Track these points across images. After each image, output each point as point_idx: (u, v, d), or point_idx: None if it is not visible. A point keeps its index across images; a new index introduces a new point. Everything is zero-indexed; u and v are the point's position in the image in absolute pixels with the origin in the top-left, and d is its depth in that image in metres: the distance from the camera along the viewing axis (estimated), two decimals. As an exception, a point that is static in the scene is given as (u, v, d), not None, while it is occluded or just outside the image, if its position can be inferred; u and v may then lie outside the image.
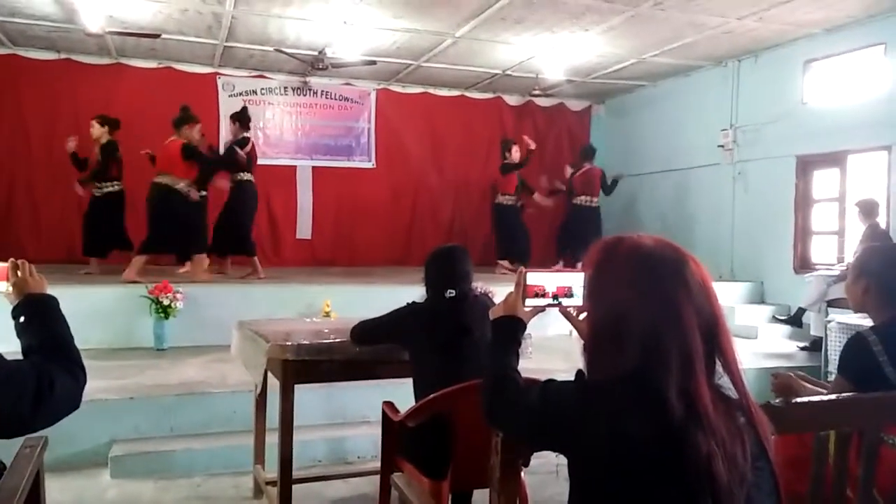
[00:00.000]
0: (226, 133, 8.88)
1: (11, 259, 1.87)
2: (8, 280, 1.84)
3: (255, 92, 9.13)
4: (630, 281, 1.27)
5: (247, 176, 7.09)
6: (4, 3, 6.53)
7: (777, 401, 1.97)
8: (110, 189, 6.88)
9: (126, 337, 5.52)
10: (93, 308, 5.23)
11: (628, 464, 1.15)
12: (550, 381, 1.35)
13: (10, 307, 1.81)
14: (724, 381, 1.25)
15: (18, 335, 1.75)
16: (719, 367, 1.24)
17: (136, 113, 7.79)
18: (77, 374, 1.71)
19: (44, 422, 1.63)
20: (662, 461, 1.14)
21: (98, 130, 6.79)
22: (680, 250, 1.28)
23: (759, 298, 7.61)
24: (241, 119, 7.18)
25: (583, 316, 1.67)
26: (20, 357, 1.67)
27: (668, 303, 1.22)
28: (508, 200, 8.69)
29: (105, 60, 8.38)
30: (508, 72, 8.77)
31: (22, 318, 1.76)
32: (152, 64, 8.56)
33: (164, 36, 7.19)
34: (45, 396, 1.59)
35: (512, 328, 1.64)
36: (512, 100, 10.18)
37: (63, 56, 8.22)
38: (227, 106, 8.92)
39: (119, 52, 8.25)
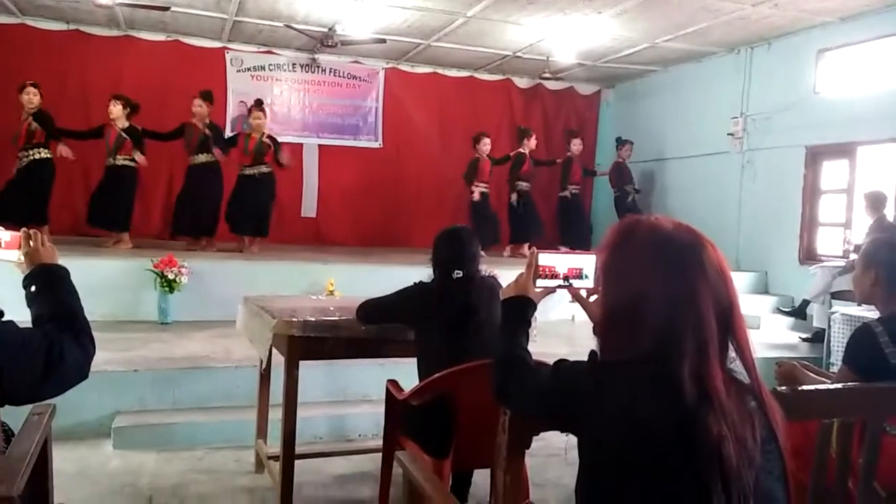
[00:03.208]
0: (233, 109, 8.89)
1: (24, 229, 1.87)
2: (20, 249, 1.84)
3: (263, 68, 9.09)
4: (647, 263, 1.26)
5: (212, 157, 7.08)
6: (13, -29, 6.50)
7: (783, 388, 1.97)
8: (38, 156, 6.59)
9: (131, 310, 5.53)
10: (98, 280, 5.23)
11: (640, 444, 1.15)
12: (563, 361, 1.35)
13: (22, 276, 1.81)
14: (736, 365, 1.25)
15: (29, 304, 1.76)
16: (732, 352, 1.24)
17: (143, 86, 7.76)
18: (86, 345, 1.72)
19: (53, 390, 1.65)
20: (674, 442, 1.14)
21: (118, 111, 6.79)
22: (698, 233, 1.27)
23: (763, 288, 7.61)
24: (211, 99, 7.20)
25: (593, 298, 1.67)
26: (31, 326, 1.68)
27: (685, 286, 1.21)
28: (575, 190, 9.11)
29: (114, 32, 8.34)
30: (519, 54, 8.71)
31: (33, 288, 1.77)
32: (161, 37, 8.50)
33: (173, 9, 7.14)
34: (55, 365, 1.60)
35: (522, 308, 1.64)
36: (521, 82, 10.12)
37: (72, 27, 8.16)
38: (235, 81, 8.90)
39: (128, 24, 8.20)
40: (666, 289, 1.22)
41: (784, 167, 7.51)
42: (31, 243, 1.85)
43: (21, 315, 1.68)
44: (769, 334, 6.49)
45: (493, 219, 8.53)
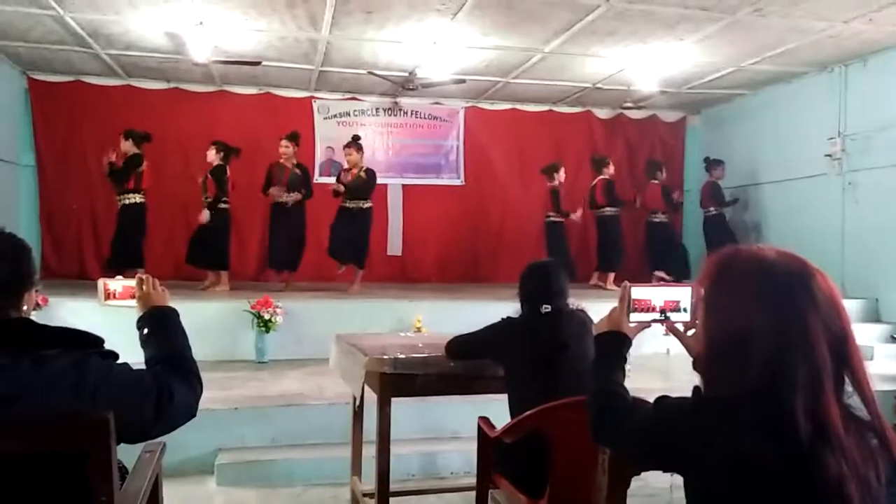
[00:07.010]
0: (321, 154, 9.23)
1: (138, 274, 2.00)
2: (135, 294, 1.97)
3: (348, 114, 9.42)
4: (752, 294, 1.21)
5: (298, 195, 7.36)
6: (121, 38, 7.03)
7: (906, 425, 1.83)
8: (129, 201, 7.14)
9: (230, 350, 5.76)
10: (199, 322, 5.42)
11: (752, 485, 1.09)
12: (664, 397, 1.31)
13: (136, 318, 1.93)
14: (853, 400, 1.17)
15: (142, 345, 1.86)
16: (848, 387, 1.17)
17: (237, 136, 8.16)
18: (194, 385, 1.79)
19: (163, 429, 1.72)
20: (789, 483, 1.08)
21: (211, 155, 7.27)
22: (805, 262, 1.22)
23: (874, 316, 7.13)
24: (296, 140, 7.49)
25: (691, 332, 1.61)
26: (143, 367, 1.77)
27: (794, 317, 1.16)
28: (660, 217, 8.87)
29: (210, 88, 8.87)
30: (598, 85, 8.66)
31: (145, 330, 1.87)
32: (253, 90, 8.98)
33: (264, 63, 7.54)
34: (166, 405, 1.68)
35: (617, 343, 1.60)
36: (602, 113, 10.04)
37: (172, 85, 8.75)
38: (322, 127, 9.26)
39: (222, 80, 8.71)
40: (773, 321, 1.16)
41: (889, 187, 7.08)
42: (144, 287, 1.97)
43: (132, 357, 1.78)
44: (884, 365, 6.05)
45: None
